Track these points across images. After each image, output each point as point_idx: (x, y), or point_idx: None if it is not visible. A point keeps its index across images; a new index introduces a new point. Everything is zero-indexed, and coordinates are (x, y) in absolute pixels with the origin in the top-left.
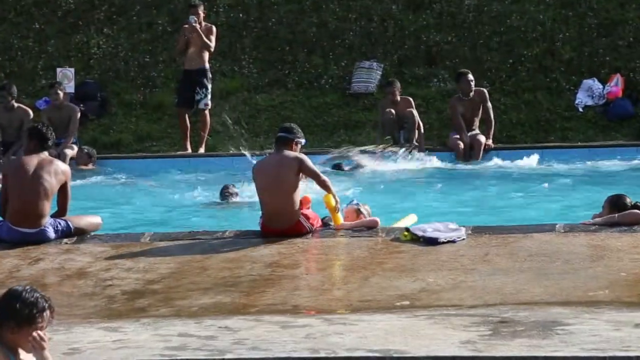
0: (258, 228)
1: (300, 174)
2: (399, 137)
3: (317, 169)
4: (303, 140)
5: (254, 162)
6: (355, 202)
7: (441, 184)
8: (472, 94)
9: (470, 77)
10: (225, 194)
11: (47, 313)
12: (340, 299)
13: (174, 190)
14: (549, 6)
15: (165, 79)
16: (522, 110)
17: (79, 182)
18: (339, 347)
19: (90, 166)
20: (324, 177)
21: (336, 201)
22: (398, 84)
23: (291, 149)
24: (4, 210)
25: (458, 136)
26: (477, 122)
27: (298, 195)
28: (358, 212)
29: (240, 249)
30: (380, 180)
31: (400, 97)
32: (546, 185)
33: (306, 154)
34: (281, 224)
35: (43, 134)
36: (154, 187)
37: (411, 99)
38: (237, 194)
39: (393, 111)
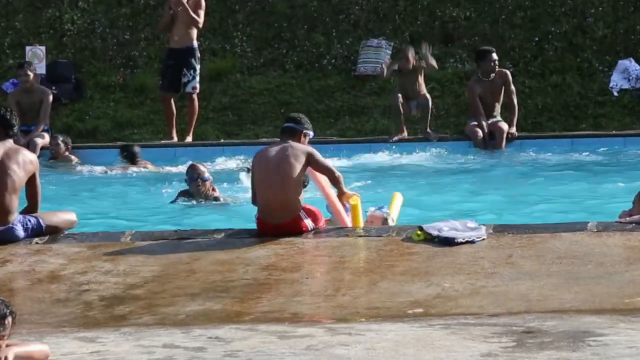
0: (254, 225)
1: (308, 168)
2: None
3: (329, 163)
4: (312, 133)
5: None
6: (385, 208)
7: (458, 177)
8: (493, 75)
9: (495, 56)
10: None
11: (8, 320)
12: (345, 306)
13: (158, 184)
14: None
15: (147, 58)
16: (550, 95)
17: (51, 174)
18: None
19: (69, 156)
20: (337, 172)
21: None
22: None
23: (299, 141)
24: None
25: (476, 122)
26: (498, 108)
27: (301, 191)
28: (385, 221)
29: (233, 250)
30: (388, 173)
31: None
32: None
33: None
34: (278, 219)
35: (7, 120)
36: (136, 180)
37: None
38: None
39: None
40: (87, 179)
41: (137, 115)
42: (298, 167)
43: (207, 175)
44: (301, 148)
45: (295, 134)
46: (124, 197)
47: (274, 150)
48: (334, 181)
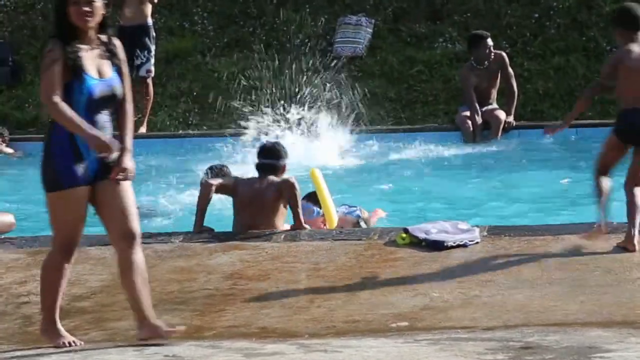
0: (217, 227)
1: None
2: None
3: (301, 204)
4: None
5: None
6: (357, 211)
7: (449, 172)
8: (487, 62)
9: (490, 42)
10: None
11: None
12: (320, 320)
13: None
14: None
15: None
16: (552, 78)
17: None
18: None
19: (7, 150)
20: (302, 218)
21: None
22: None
23: (282, 174)
24: None
25: (468, 113)
26: (494, 94)
27: (283, 220)
28: (357, 227)
29: (193, 256)
30: (367, 168)
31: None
32: (565, 181)
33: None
34: None
35: None
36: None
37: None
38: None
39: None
40: (27, 175)
41: None
42: (282, 203)
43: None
44: (285, 185)
45: (277, 170)
46: None
47: (256, 189)
48: (295, 218)
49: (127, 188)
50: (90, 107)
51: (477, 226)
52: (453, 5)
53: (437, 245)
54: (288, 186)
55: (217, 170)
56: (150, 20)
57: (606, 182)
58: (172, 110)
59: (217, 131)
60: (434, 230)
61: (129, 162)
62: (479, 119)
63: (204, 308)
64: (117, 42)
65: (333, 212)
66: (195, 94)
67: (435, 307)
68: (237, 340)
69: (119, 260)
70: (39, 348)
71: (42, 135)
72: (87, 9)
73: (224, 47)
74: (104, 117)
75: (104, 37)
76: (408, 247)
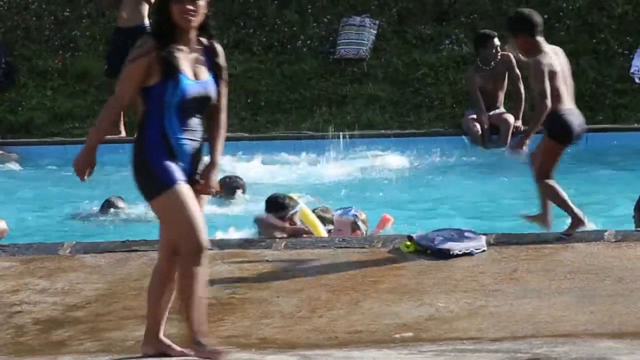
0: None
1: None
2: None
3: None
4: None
5: None
6: (352, 211)
7: (455, 178)
8: (494, 63)
9: (497, 41)
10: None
11: None
12: (322, 330)
13: (103, 186)
14: None
15: (91, 39)
16: None
17: None
18: None
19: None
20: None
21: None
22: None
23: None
24: None
25: (475, 116)
26: (501, 97)
27: None
28: (355, 227)
29: None
30: (370, 174)
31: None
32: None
33: (276, 138)
34: None
35: None
36: (77, 182)
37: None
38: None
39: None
40: (21, 179)
41: (78, 105)
42: None
43: None
44: None
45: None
46: (63, 201)
47: None
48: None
49: (204, 200)
50: (183, 109)
51: (484, 234)
52: (460, 6)
53: (442, 254)
54: None
55: (233, 181)
56: (147, 22)
57: (554, 183)
58: None
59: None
60: (439, 238)
61: (213, 180)
62: (486, 121)
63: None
64: (218, 47)
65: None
66: None
67: (440, 317)
68: (236, 351)
69: (184, 269)
70: (32, 359)
71: (35, 140)
72: (190, 7)
73: (223, 48)
74: (195, 121)
75: (204, 40)
76: (413, 256)
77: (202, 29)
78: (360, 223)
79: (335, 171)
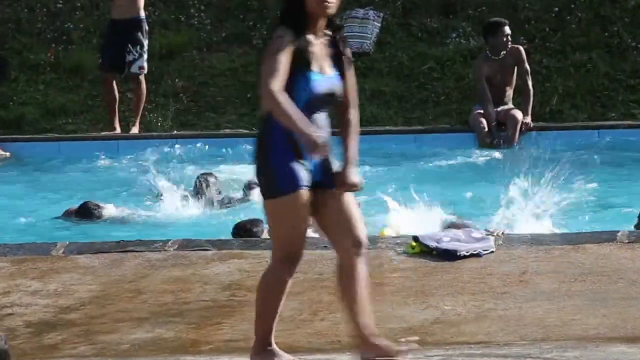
0: (212, 234)
1: None
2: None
3: None
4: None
5: None
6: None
7: (462, 176)
8: (504, 53)
9: (508, 29)
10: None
11: None
12: (324, 334)
13: (97, 185)
14: None
15: (85, 32)
16: (572, 77)
17: None
18: None
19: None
20: None
21: None
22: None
23: None
24: None
25: (482, 110)
26: (510, 92)
27: None
28: None
29: (188, 265)
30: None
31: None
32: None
33: None
34: None
35: None
36: (71, 179)
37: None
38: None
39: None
40: (12, 177)
41: (71, 100)
42: None
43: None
44: None
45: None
46: (56, 200)
47: None
48: None
49: (352, 197)
50: (311, 105)
51: (492, 234)
52: None
53: (449, 255)
54: None
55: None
56: (143, 14)
57: None
58: (167, 109)
59: (212, 132)
60: (445, 238)
61: (355, 176)
62: (493, 114)
63: (200, 321)
64: (344, 38)
65: None
66: (190, 92)
67: (447, 320)
68: (235, 355)
69: (344, 269)
70: None
71: (26, 136)
72: None
73: (221, 42)
74: (322, 117)
75: (329, 31)
76: (418, 257)
77: (328, 19)
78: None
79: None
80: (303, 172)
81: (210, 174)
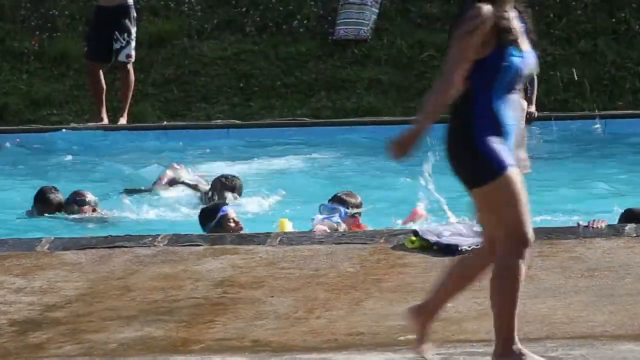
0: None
1: None
2: None
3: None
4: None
5: None
6: (335, 217)
7: None
8: None
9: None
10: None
11: None
12: (320, 332)
13: (82, 178)
14: None
15: (70, 19)
16: (578, 64)
17: None
18: None
19: None
20: None
21: None
22: None
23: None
24: None
25: None
26: None
27: None
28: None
29: (179, 261)
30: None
31: None
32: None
33: (270, 126)
34: None
35: None
36: (54, 172)
37: None
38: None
39: None
40: None
41: (56, 90)
42: None
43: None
44: None
45: None
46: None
47: None
48: None
49: None
50: (510, 85)
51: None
52: None
53: (450, 250)
54: None
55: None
56: (131, 0)
57: None
58: (156, 99)
59: (205, 122)
60: (446, 232)
61: (526, 156)
62: None
63: (191, 319)
64: (528, 11)
65: None
66: (181, 81)
67: (448, 318)
68: (227, 354)
69: (500, 269)
70: None
71: (9, 127)
72: None
73: (213, 29)
74: (516, 97)
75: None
76: (418, 252)
77: None
78: (340, 229)
79: (334, 161)
80: (510, 151)
81: (235, 177)
